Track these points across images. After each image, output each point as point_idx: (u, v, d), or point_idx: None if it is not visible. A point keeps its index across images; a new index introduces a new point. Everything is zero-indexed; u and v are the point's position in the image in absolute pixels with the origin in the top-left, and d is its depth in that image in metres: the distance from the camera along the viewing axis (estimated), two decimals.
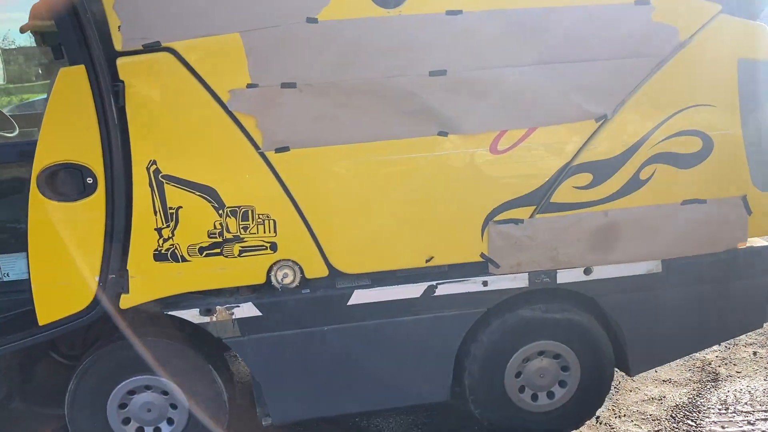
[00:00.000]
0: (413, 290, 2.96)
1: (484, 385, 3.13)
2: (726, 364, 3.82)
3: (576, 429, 3.28)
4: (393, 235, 2.91)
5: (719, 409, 3.40)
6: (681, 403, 3.45)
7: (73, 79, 2.57)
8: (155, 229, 2.77)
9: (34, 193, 2.65)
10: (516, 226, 2.91)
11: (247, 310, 2.90)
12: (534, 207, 2.92)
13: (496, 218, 2.91)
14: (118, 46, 2.60)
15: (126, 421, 3.07)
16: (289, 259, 2.87)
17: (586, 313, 3.10)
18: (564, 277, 3.01)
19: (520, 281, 2.99)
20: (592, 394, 3.21)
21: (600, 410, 3.34)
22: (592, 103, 2.83)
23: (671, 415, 3.38)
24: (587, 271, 3.02)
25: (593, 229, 2.95)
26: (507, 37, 2.76)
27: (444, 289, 2.97)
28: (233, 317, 2.90)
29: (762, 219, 3.08)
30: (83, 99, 2.59)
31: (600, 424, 3.33)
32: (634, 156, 2.91)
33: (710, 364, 3.83)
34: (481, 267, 2.98)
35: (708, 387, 3.59)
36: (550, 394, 3.20)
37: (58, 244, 2.71)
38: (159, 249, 2.79)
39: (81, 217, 2.71)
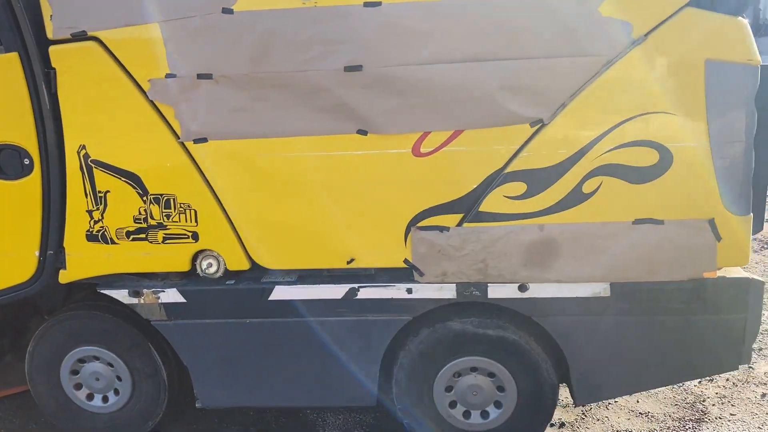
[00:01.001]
0: (335, 291, 2.87)
1: (412, 396, 2.99)
2: (722, 403, 3.36)
3: None
4: (313, 233, 2.83)
5: None
6: None
7: (8, 66, 2.72)
8: (87, 211, 2.90)
9: None
10: (440, 233, 2.72)
11: (172, 295, 2.96)
12: (461, 215, 2.72)
13: (420, 224, 2.73)
14: (49, 35, 2.72)
15: (78, 386, 3.27)
16: (211, 250, 2.89)
17: (523, 332, 2.85)
18: (496, 292, 2.79)
19: (447, 292, 2.81)
20: (530, 420, 2.96)
21: None
22: (526, 105, 2.56)
23: None
24: (522, 288, 2.77)
25: (527, 244, 2.69)
26: (430, 30, 2.55)
27: (366, 292, 2.85)
28: (159, 301, 2.98)
29: (734, 247, 2.65)
30: (18, 84, 2.74)
31: None
32: (575, 166, 2.61)
33: (704, 401, 3.39)
34: (409, 273, 2.82)
35: (687, 428, 3.19)
36: (485, 414, 3.00)
37: (2, 219, 2.91)
38: (91, 230, 2.91)
39: (21, 195, 2.88)
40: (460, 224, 2.72)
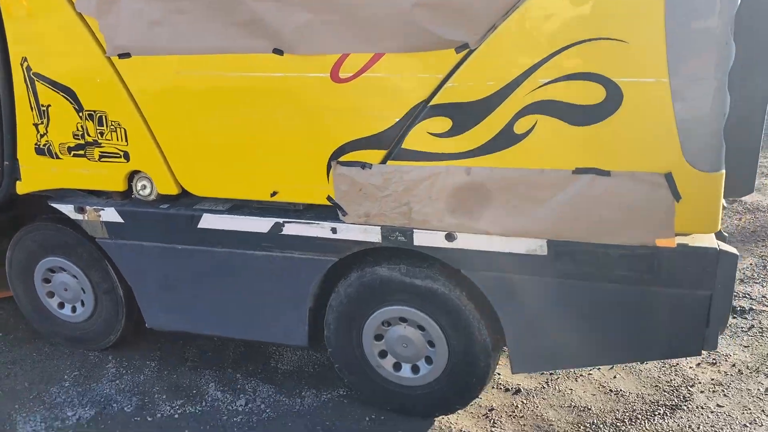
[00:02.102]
0: (260, 225, 2.72)
1: (341, 340, 2.82)
2: (714, 391, 2.88)
3: (443, 415, 2.81)
4: (236, 161, 2.67)
5: None
6: (593, 426, 2.73)
7: None
8: (33, 124, 2.92)
9: None
10: (362, 170, 2.46)
11: (111, 215, 2.95)
12: (385, 151, 2.43)
13: (342, 159, 2.48)
14: None
15: (50, 294, 3.41)
16: (143, 172, 2.83)
17: (454, 286, 2.56)
18: (422, 239, 2.50)
19: (372, 235, 2.56)
20: (462, 382, 2.69)
21: (501, 403, 2.83)
22: (449, 27, 2.19)
23: None
24: (450, 237, 2.46)
25: (452, 188, 2.37)
26: None
27: (292, 228, 2.67)
28: (101, 219, 2.98)
29: (699, 209, 2.16)
30: None
31: (487, 419, 2.81)
32: (506, 102, 2.22)
33: (693, 386, 2.93)
34: (335, 212, 2.60)
35: (656, 414, 2.77)
36: (415, 369, 2.77)
37: None
38: (38, 144, 2.94)
39: None
40: (384, 162, 2.44)
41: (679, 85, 2.04)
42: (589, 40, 2.08)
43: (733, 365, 3.06)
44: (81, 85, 2.77)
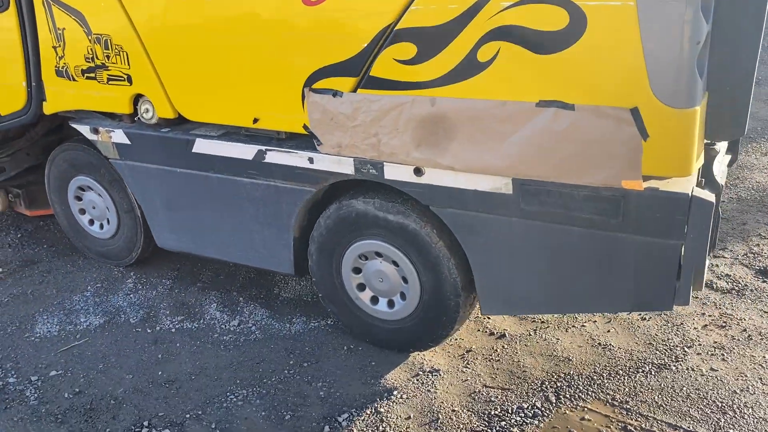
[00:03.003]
0: (246, 151, 2.76)
1: (323, 270, 2.85)
2: (713, 355, 2.67)
3: (417, 351, 2.80)
4: (222, 86, 2.71)
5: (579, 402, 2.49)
6: (567, 376, 2.61)
7: None
8: (53, 47, 3.08)
9: None
10: (333, 98, 2.43)
11: (119, 136, 3.10)
12: (356, 79, 2.38)
13: (315, 86, 2.46)
14: None
15: (82, 212, 3.66)
16: (144, 95, 2.93)
17: (425, 223, 2.50)
18: (392, 172, 2.46)
19: (346, 166, 2.54)
20: (433, 319, 2.66)
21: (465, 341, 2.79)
22: None
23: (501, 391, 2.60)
24: (417, 172, 2.40)
25: (418, 119, 2.29)
26: None
27: (273, 157, 2.70)
28: (111, 140, 3.14)
29: (670, 149, 1.97)
30: None
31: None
32: (468, 27, 2.10)
33: (690, 347, 2.72)
34: (312, 141, 2.60)
35: (639, 371, 2.61)
36: (391, 303, 2.76)
37: None
38: (57, 66, 3.11)
39: (4, 27, 3.14)
40: (354, 90, 2.39)
41: (647, 9, 1.84)
42: None
43: (744, 330, 2.82)
44: (88, 9, 2.88)
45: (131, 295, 3.42)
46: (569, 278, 2.32)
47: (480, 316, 3.00)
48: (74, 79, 3.08)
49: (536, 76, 2.06)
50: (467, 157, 2.26)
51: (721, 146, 2.42)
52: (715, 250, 3.42)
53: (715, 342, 2.76)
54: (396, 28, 2.23)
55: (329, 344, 2.92)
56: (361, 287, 2.81)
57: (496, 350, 2.81)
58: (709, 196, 2.04)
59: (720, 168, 2.39)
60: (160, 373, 2.82)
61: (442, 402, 2.54)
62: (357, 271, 2.78)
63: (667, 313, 2.97)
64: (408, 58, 2.24)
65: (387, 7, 2.22)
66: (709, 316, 2.93)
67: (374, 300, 2.80)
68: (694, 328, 2.86)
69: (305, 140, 2.63)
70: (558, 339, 2.85)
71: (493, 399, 2.54)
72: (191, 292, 3.42)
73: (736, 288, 3.12)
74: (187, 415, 2.57)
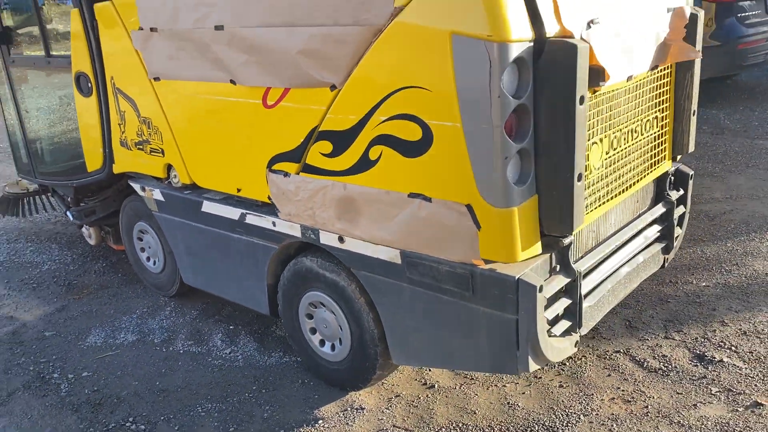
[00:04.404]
0: (234, 213, 3.50)
1: (286, 314, 3.49)
2: (600, 423, 2.94)
3: (354, 390, 3.32)
4: (216, 162, 3.48)
5: None
6: (465, 427, 3.00)
7: (74, 17, 3.96)
8: (118, 124, 4.06)
9: (74, 89, 4.23)
10: (283, 178, 3.11)
11: (158, 194, 3.98)
12: (298, 164, 3.05)
13: (274, 167, 3.16)
14: None
15: (142, 249, 4.61)
16: (172, 164, 3.80)
17: (350, 281, 3.07)
18: (325, 238, 3.06)
19: (296, 231, 3.19)
20: (361, 364, 3.19)
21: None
22: (322, 70, 2.73)
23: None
24: (341, 240, 2.99)
25: (336, 199, 2.90)
26: None
27: (251, 219, 3.41)
28: (153, 197, 4.03)
29: (497, 239, 2.42)
30: (81, 31, 3.96)
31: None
32: (362, 133, 2.69)
33: (588, 414, 3.02)
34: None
35: (527, 430, 2.95)
36: (333, 347, 3.33)
37: (86, 125, 4.28)
38: (121, 138, 4.08)
39: (90, 108, 4.18)
40: (297, 172, 3.06)
41: (469, 130, 2.34)
42: (407, 87, 2.47)
43: (646, 407, 3.05)
44: (138, 98, 3.81)
45: (163, 320, 4.25)
46: (443, 338, 2.77)
47: (422, 368, 3.46)
48: (130, 149, 4.02)
49: (407, 174, 2.60)
50: (370, 231, 2.83)
51: (589, 237, 2.81)
52: (668, 331, 3.63)
53: (612, 414, 3.03)
54: (319, 129, 2.87)
55: (289, 377, 3.53)
56: (313, 331, 3.40)
57: (420, 398, 3.27)
58: (536, 280, 2.44)
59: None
60: (157, 383, 3.58)
61: None
62: (310, 316, 3.38)
63: (584, 382, 3.26)
64: (327, 152, 2.87)
65: (313, 113, 2.87)
66: (623, 390, 3.19)
67: (322, 342, 3.38)
68: (601, 399, 3.13)
69: (272, 208, 3.32)
70: (476, 394, 3.25)
71: None
72: (207, 323, 4.18)
73: (664, 369, 3.33)
74: (162, 418, 3.28)
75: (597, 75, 2.46)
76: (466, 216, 2.45)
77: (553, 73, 2.30)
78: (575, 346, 2.78)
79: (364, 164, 2.74)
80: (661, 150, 3.24)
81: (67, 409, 3.41)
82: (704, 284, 4.14)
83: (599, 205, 2.80)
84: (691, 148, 3.32)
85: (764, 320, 3.69)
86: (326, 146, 2.87)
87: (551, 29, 2.31)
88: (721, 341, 3.52)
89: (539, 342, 2.50)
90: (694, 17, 3.05)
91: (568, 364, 3.43)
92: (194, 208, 3.73)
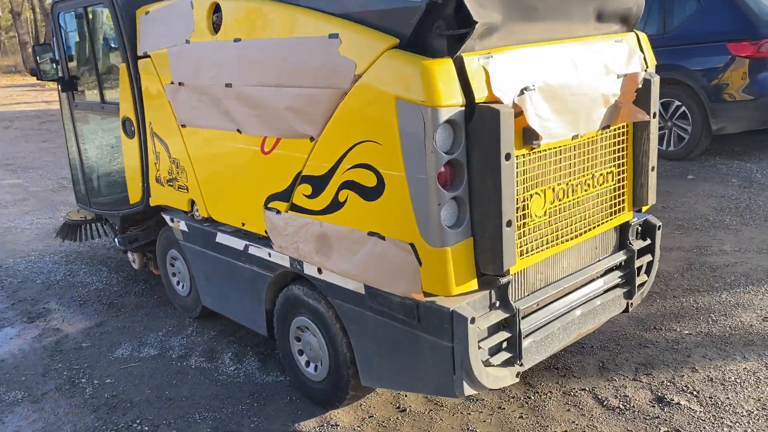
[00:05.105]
0: (240, 244, 3.98)
1: (280, 336, 3.91)
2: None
3: (332, 409, 3.67)
4: (227, 199, 3.99)
5: None
6: None
7: (124, 72, 4.61)
8: (154, 163, 4.66)
9: (121, 132, 4.88)
10: (276, 215, 3.56)
11: (183, 225, 4.52)
12: (287, 203, 3.50)
13: (269, 205, 3.62)
14: (139, 52, 4.49)
15: (173, 274, 5.16)
16: (194, 199, 4.33)
17: (328, 308, 3.46)
18: (308, 269, 3.48)
19: (286, 261, 3.62)
20: (335, 386, 3.55)
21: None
22: (302, 124, 3.19)
23: None
24: (319, 271, 3.40)
25: (314, 235, 3.32)
26: (256, 60, 3.39)
27: (252, 250, 3.88)
28: (179, 228, 4.58)
29: (435, 275, 2.77)
30: (127, 82, 4.61)
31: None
32: (333, 178, 3.12)
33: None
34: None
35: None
36: (316, 368, 3.71)
37: (129, 163, 4.91)
38: (156, 175, 4.67)
39: (133, 149, 4.81)
40: (286, 211, 3.51)
41: (411, 179, 2.73)
42: (365, 141, 2.89)
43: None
44: (170, 141, 4.39)
45: (184, 338, 4.75)
46: (398, 362, 3.11)
47: (399, 393, 3.78)
48: (163, 185, 4.60)
49: (367, 215, 3.00)
50: (339, 264, 3.22)
51: (536, 277, 3.11)
52: (638, 374, 3.82)
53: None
54: (302, 174, 3.31)
55: (281, 394, 3.93)
56: (300, 352, 3.80)
57: (390, 419, 3.59)
58: (469, 312, 2.77)
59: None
60: (166, 392, 4.05)
61: None
62: (298, 339, 3.79)
63: (543, 414, 3.51)
64: (308, 194, 3.31)
65: (298, 160, 3.32)
66: (576, 425, 3.41)
67: (307, 363, 3.77)
68: (554, 431, 3.37)
69: (268, 241, 3.77)
70: (441, 419, 3.55)
71: None
72: (223, 342, 4.65)
73: (621, 407, 3.53)
74: (164, 422, 3.74)
75: (531, 135, 2.81)
76: (410, 253, 2.81)
77: (481, 133, 2.66)
78: (517, 376, 3.06)
79: (335, 205, 3.15)
80: (619, 202, 3.50)
81: (88, 409, 3.92)
82: (687, 332, 4.29)
83: (543, 249, 3.10)
84: (651, 201, 3.57)
85: (735, 369, 3.82)
86: (307, 189, 3.30)
87: (482, 95, 2.68)
88: (686, 386, 3.68)
89: (473, 369, 2.81)
90: (647, 82, 3.34)
91: (533, 397, 3.68)
92: (210, 238, 4.23)
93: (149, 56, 4.36)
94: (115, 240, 5.66)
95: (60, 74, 5.41)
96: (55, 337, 4.92)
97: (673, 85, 8.23)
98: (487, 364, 2.93)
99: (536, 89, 2.84)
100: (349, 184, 3.04)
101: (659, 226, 3.80)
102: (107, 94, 5.07)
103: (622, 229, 3.65)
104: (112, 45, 4.91)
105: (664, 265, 5.33)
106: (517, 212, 2.90)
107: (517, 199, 2.90)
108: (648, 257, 3.79)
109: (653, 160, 3.51)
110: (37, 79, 5.51)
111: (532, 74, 2.86)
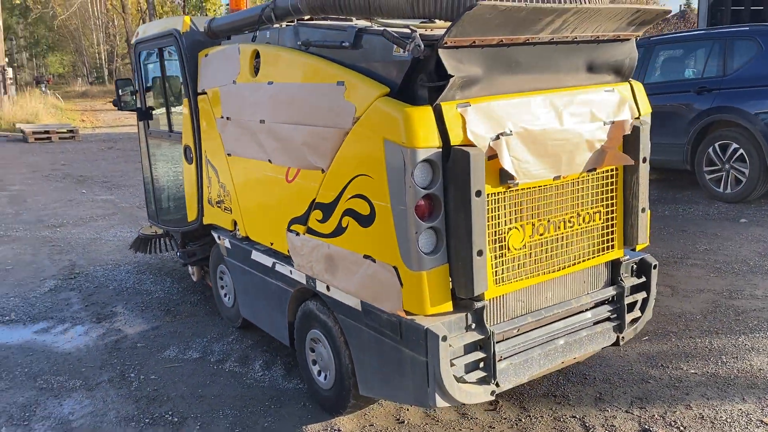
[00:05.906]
0: (269, 261, 4.46)
1: (299, 346, 4.33)
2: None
3: (338, 416, 4.04)
4: (260, 221, 4.49)
5: None
6: None
7: (186, 106, 5.26)
8: (207, 186, 5.25)
9: (183, 158, 5.52)
10: (296, 236, 4.02)
11: (227, 243, 5.07)
12: (305, 227, 3.95)
13: (291, 227, 4.09)
14: (199, 89, 5.13)
15: (221, 287, 5.73)
16: (236, 220, 4.88)
17: (335, 322, 3.86)
18: (319, 286, 3.90)
19: (302, 279, 4.07)
20: (339, 394, 3.93)
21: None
22: (315, 157, 3.64)
23: None
24: (328, 288, 3.82)
25: (324, 256, 3.75)
26: (279, 101, 3.89)
27: (278, 267, 4.35)
28: (224, 244, 5.13)
29: (414, 295, 3.11)
30: (188, 114, 5.26)
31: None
32: (337, 206, 3.54)
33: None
34: None
35: None
36: (326, 377, 4.10)
37: (188, 185, 5.54)
38: (207, 197, 5.27)
39: (191, 172, 5.44)
40: (304, 233, 3.96)
41: (394, 210, 3.11)
42: (361, 174, 3.30)
43: None
44: (219, 167, 4.96)
45: (225, 345, 5.27)
46: (385, 373, 3.46)
47: (402, 405, 4.11)
48: (213, 206, 5.18)
49: (363, 240, 3.39)
50: (343, 282, 3.63)
51: (516, 305, 3.39)
52: (632, 406, 3.97)
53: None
54: (316, 201, 3.76)
55: (297, 399, 4.34)
56: (314, 362, 4.21)
57: (388, 429, 3.92)
58: (442, 330, 3.09)
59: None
60: (199, 391, 4.55)
61: None
62: (312, 350, 4.20)
63: None
64: (320, 219, 3.74)
65: (313, 188, 3.77)
66: None
67: (319, 372, 4.17)
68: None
69: (290, 259, 4.22)
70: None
71: None
72: (257, 351, 5.13)
73: None
74: (192, 415, 4.23)
75: (507, 175, 3.14)
76: (393, 275, 3.18)
77: (455, 172, 3.01)
78: (492, 394, 3.33)
79: (339, 230, 3.57)
80: (608, 240, 3.73)
81: (131, 399, 4.48)
82: (692, 371, 4.39)
83: (522, 279, 3.38)
84: (642, 240, 3.76)
85: (729, 409, 3.91)
86: (319, 214, 3.74)
87: (457, 139, 3.03)
88: (674, 421, 3.81)
89: (444, 383, 3.12)
90: (636, 129, 3.58)
91: (524, 420, 3.91)
92: (247, 255, 4.74)
93: (206, 93, 4.97)
94: (178, 254, 6.31)
95: (138, 105, 6.17)
96: (116, 337, 5.56)
97: (731, 128, 8.18)
98: (461, 380, 3.23)
99: (513, 134, 3.16)
100: (349, 212, 3.45)
101: (655, 265, 3.97)
102: (174, 124, 5.74)
103: (614, 266, 3.85)
104: (179, 81, 5.59)
105: (689, 305, 5.39)
106: (494, 243, 3.21)
107: (496, 231, 3.22)
108: (643, 294, 3.96)
109: (643, 201, 3.71)
110: (118, 109, 6.29)
111: (510, 120, 3.19)
